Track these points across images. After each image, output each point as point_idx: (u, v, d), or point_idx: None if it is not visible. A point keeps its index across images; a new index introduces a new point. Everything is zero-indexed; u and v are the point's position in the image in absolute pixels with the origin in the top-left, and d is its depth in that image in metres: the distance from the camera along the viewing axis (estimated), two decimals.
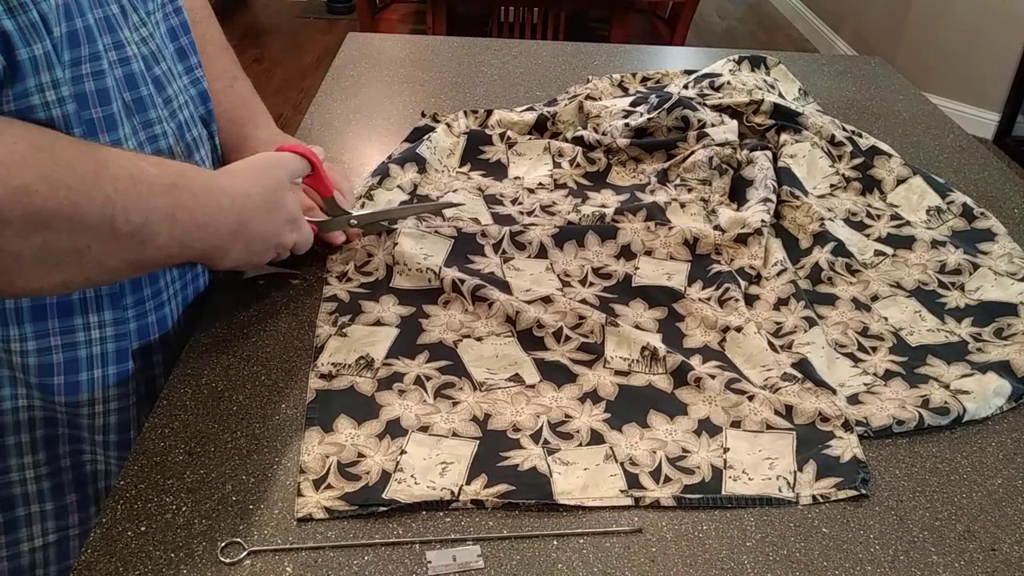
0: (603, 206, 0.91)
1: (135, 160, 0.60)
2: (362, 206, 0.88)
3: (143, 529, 0.55)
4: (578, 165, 0.99)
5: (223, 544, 0.55)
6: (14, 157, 0.51)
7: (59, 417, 0.69)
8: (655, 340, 0.73)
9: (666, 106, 1.01)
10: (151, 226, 0.59)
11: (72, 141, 0.57)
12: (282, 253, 0.74)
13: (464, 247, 0.82)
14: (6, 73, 0.54)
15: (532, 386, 0.69)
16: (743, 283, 0.81)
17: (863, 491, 0.61)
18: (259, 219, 0.69)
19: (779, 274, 0.81)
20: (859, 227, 0.91)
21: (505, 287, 0.79)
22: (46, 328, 0.65)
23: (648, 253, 0.84)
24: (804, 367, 0.71)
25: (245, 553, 0.54)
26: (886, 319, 0.79)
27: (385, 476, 0.59)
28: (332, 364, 0.69)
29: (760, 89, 1.08)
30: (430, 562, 0.54)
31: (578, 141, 1.03)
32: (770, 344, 0.74)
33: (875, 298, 0.82)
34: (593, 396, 0.68)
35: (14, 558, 0.71)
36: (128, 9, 0.66)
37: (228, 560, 0.54)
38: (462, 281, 0.77)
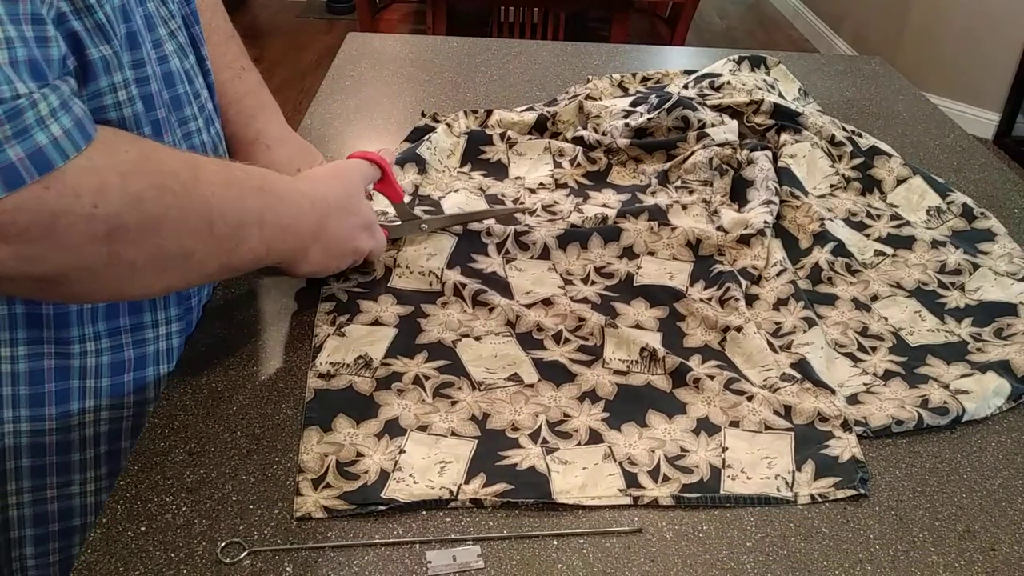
0: (604, 206, 0.91)
1: (222, 164, 0.62)
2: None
3: (143, 529, 0.55)
4: (579, 165, 0.99)
5: (223, 544, 0.55)
6: (127, 166, 0.52)
7: (124, 426, 0.69)
8: (654, 341, 0.73)
9: (666, 106, 1.01)
10: (244, 229, 0.60)
11: (166, 147, 0.58)
12: (358, 259, 0.75)
13: (467, 246, 0.82)
14: (78, 74, 0.55)
15: (531, 385, 0.69)
16: (744, 283, 0.81)
17: (862, 491, 0.61)
18: (336, 223, 0.70)
19: (779, 274, 0.81)
20: (859, 227, 0.91)
21: (506, 288, 0.79)
22: (118, 326, 0.66)
23: (651, 253, 0.84)
24: (803, 367, 0.71)
25: (245, 553, 0.54)
26: (886, 319, 0.79)
27: (384, 475, 0.59)
28: (331, 364, 0.69)
29: (760, 89, 1.08)
30: (430, 562, 0.54)
31: (578, 141, 1.03)
32: (769, 344, 0.74)
33: (875, 298, 0.82)
34: (592, 395, 0.68)
35: (65, 563, 0.71)
36: (158, 3, 0.66)
37: (228, 560, 0.54)
38: (463, 285, 0.77)
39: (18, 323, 0.61)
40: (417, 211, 0.84)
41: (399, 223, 0.82)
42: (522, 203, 0.92)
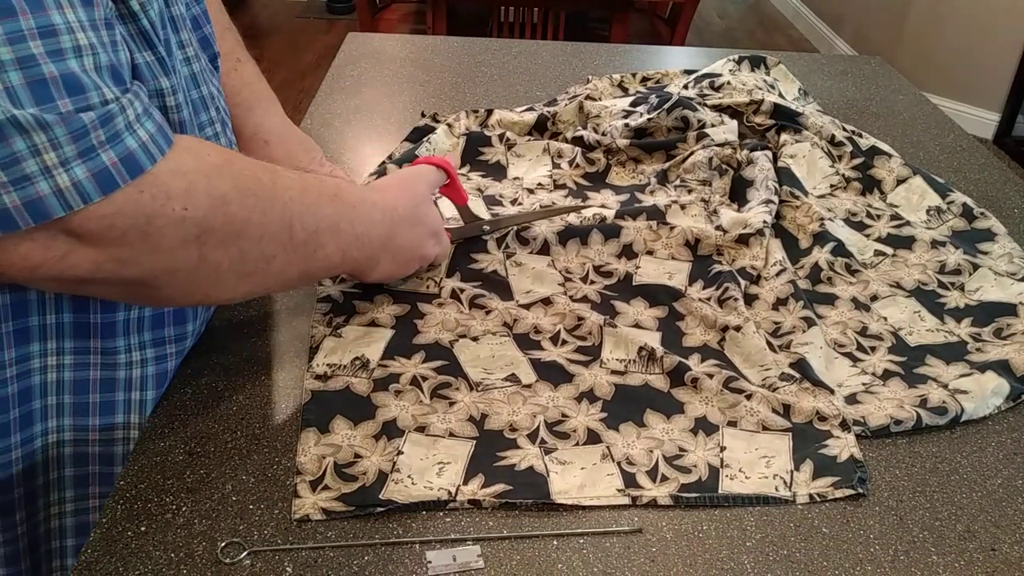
0: (603, 206, 0.91)
1: (296, 172, 0.63)
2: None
3: (143, 529, 0.55)
4: (577, 166, 0.99)
5: (223, 544, 0.55)
6: (211, 169, 0.53)
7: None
8: (653, 341, 0.73)
9: (666, 106, 1.01)
10: (320, 235, 0.61)
11: (241, 154, 0.59)
12: (424, 265, 0.76)
13: (467, 246, 0.82)
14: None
15: (528, 386, 0.69)
16: (743, 283, 0.81)
17: (860, 490, 0.61)
18: (405, 232, 0.71)
19: (778, 274, 0.81)
20: (859, 227, 0.91)
21: (506, 287, 0.79)
22: (163, 336, 0.66)
23: (650, 253, 0.84)
24: (802, 367, 0.71)
25: (245, 553, 0.54)
26: (885, 319, 0.79)
27: (382, 477, 0.59)
28: (327, 365, 0.69)
29: (760, 89, 1.08)
30: (430, 562, 0.54)
31: (578, 141, 1.03)
32: (768, 344, 0.74)
33: (874, 298, 0.82)
34: (590, 396, 0.68)
35: None
36: (181, 5, 0.66)
37: (228, 560, 0.54)
38: (462, 291, 0.77)
39: (65, 332, 0.61)
40: (478, 213, 0.86)
41: (462, 225, 0.83)
42: (520, 203, 0.92)
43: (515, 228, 0.84)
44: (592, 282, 0.81)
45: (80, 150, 0.45)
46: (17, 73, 0.44)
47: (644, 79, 1.23)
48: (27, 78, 0.44)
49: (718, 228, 0.86)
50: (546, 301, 0.77)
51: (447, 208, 0.85)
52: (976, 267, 0.85)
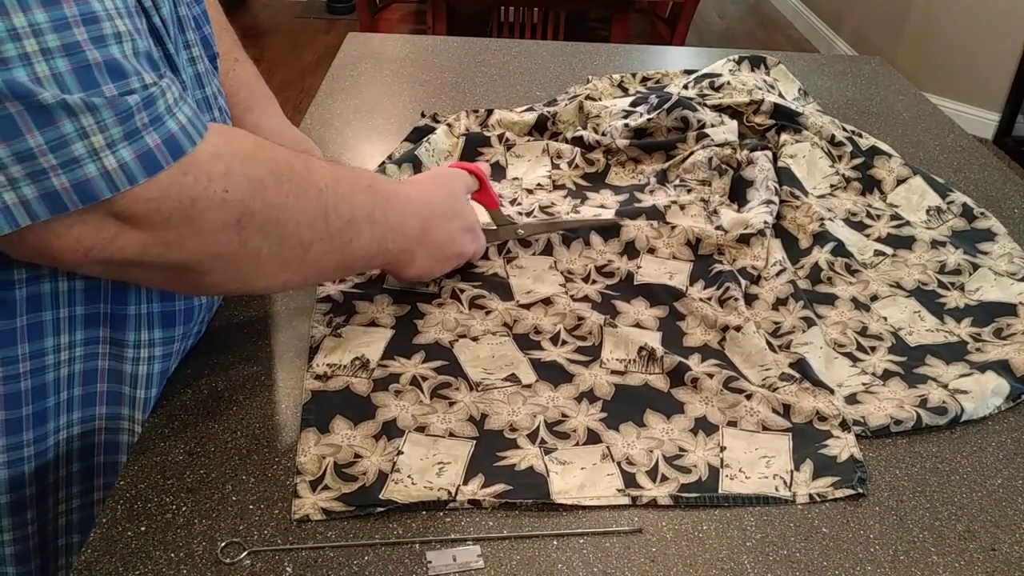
0: (602, 206, 0.91)
1: (330, 161, 0.64)
2: None
3: (143, 529, 0.55)
4: (576, 166, 0.99)
5: (223, 544, 0.55)
6: (247, 153, 0.54)
7: None
8: (653, 340, 0.73)
9: (666, 106, 1.01)
10: (356, 224, 0.62)
11: (272, 142, 0.60)
12: (460, 262, 0.77)
13: None
14: None
15: (528, 386, 0.69)
16: (744, 283, 0.81)
17: (860, 490, 0.61)
18: (441, 226, 0.72)
19: (778, 274, 0.81)
20: (859, 227, 0.91)
21: (507, 288, 0.79)
22: (172, 335, 0.66)
23: (651, 252, 0.84)
24: (802, 367, 0.71)
25: (245, 553, 0.54)
26: (885, 319, 0.79)
27: (382, 477, 0.59)
28: (327, 365, 0.69)
29: (760, 89, 1.08)
30: (430, 562, 0.54)
31: (578, 141, 1.03)
32: (768, 344, 0.74)
33: (874, 298, 0.82)
34: (590, 396, 0.68)
35: None
36: (186, 5, 0.66)
37: (228, 560, 0.54)
38: (462, 291, 0.77)
39: (77, 325, 0.61)
40: (512, 217, 0.86)
41: (495, 228, 0.83)
42: (519, 203, 0.92)
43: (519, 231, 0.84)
44: (593, 282, 0.81)
45: (126, 132, 0.47)
46: (64, 60, 0.45)
47: (644, 79, 1.23)
48: (73, 64, 0.45)
49: (718, 228, 0.86)
50: (546, 301, 0.77)
51: (479, 214, 0.84)
52: (976, 267, 0.85)
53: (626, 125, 1.02)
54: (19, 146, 0.44)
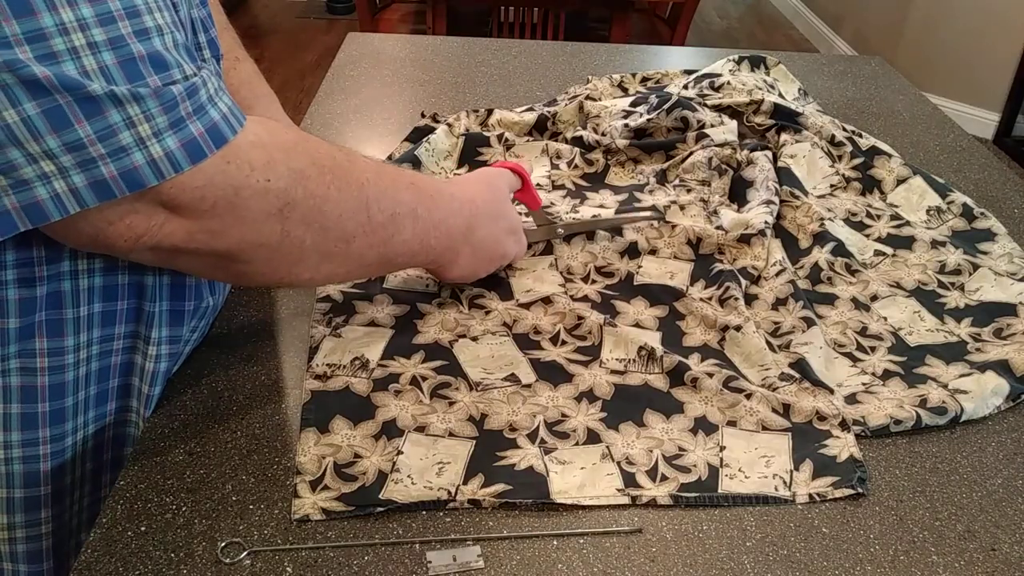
0: (601, 206, 0.91)
1: (372, 158, 0.64)
2: None
3: (143, 529, 0.55)
4: (576, 167, 0.99)
5: (223, 544, 0.55)
6: (288, 143, 0.55)
7: None
8: (653, 340, 0.73)
9: (666, 107, 1.01)
10: (399, 219, 0.62)
11: (313, 136, 0.60)
12: (503, 264, 0.77)
13: None
14: None
15: (528, 386, 0.69)
16: (744, 283, 0.81)
17: (860, 490, 0.61)
18: (485, 225, 0.72)
19: (778, 274, 0.81)
20: (859, 227, 0.91)
21: (506, 287, 0.79)
22: (180, 335, 0.66)
23: (652, 252, 0.84)
24: (802, 367, 0.71)
25: (245, 553, 0.54)
26: (885, 319, 0.79)
27: (382, 477, 0.59)
28: (327, 365, 0.69)
29: (760, 89, 1.08)
30: (430, 562, 0.54)
31: (577, 141, 1.03)
32: (768, 344, 0.74)
33: (874, 298, 0.82)
34: (589, 395, 0.68)
35: None
36: (197, 6, 0.66)
37: (228, 560, 0.54)
38: (461, 291, 0.77)
39: (95, 323, 0.61)
40: (553, 216, 0.86)
41: (536, 228, 0.83)
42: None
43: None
44: (593, 281, 0.81)
45: (171, 121, 0.48)
46: (110, 53, 0.46)
47: (644, 79, 1.23)
48: (119, 58, 0.46)
49: (719, 228, 0.86)
50: (546, 300, 0.77)
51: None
52: (976, 267, 0.85)
53: (626, 125, 1.02)
54: (69, 136, 0.45)
